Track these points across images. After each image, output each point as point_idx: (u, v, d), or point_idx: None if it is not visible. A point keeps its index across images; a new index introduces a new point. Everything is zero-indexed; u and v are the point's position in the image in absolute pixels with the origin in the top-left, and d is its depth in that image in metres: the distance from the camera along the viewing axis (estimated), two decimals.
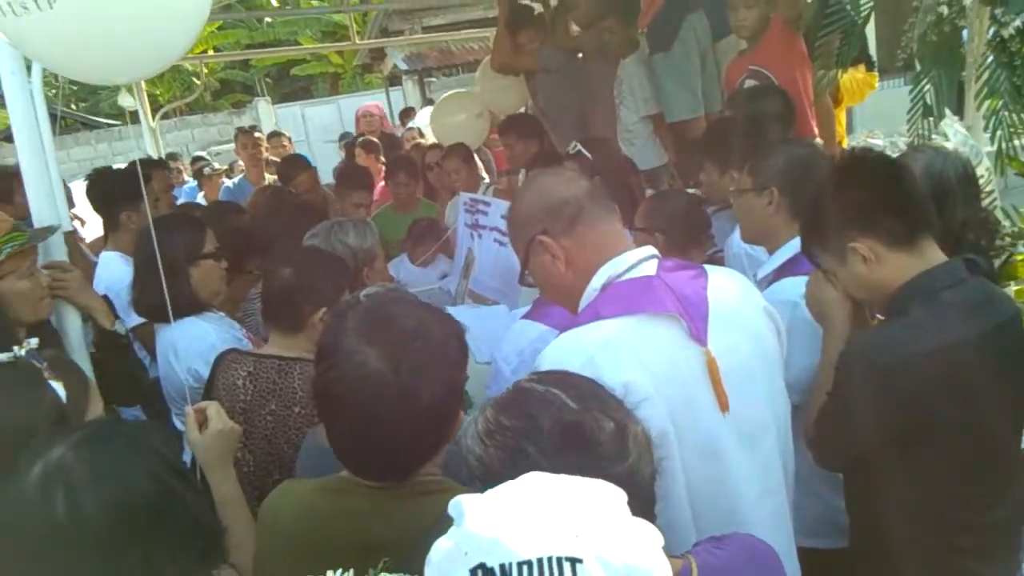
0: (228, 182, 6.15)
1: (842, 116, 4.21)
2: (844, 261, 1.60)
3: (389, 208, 4.71)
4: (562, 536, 0.74)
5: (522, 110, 5.48)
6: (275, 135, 7.48)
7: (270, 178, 5.82)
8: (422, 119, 9.13)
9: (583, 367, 1.33)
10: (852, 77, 3.93)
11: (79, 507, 1.06)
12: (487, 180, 5.13)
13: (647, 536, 0.79)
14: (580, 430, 1.07)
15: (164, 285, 2.01)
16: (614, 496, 0.79)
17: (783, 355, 1.60)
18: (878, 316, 1.69)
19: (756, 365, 1.49)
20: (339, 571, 0.99)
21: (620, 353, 1.37)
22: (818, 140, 3.41)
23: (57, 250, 2.18)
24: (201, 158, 7.25)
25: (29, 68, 2.03)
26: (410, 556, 0.99)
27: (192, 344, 2.39)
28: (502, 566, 0.73)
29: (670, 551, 1.08)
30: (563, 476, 0.82)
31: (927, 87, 2.53)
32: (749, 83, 3.42)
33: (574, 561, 0.73)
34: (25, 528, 1.08)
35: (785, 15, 3.28)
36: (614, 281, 1.48)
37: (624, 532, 0.76)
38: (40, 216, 2.10)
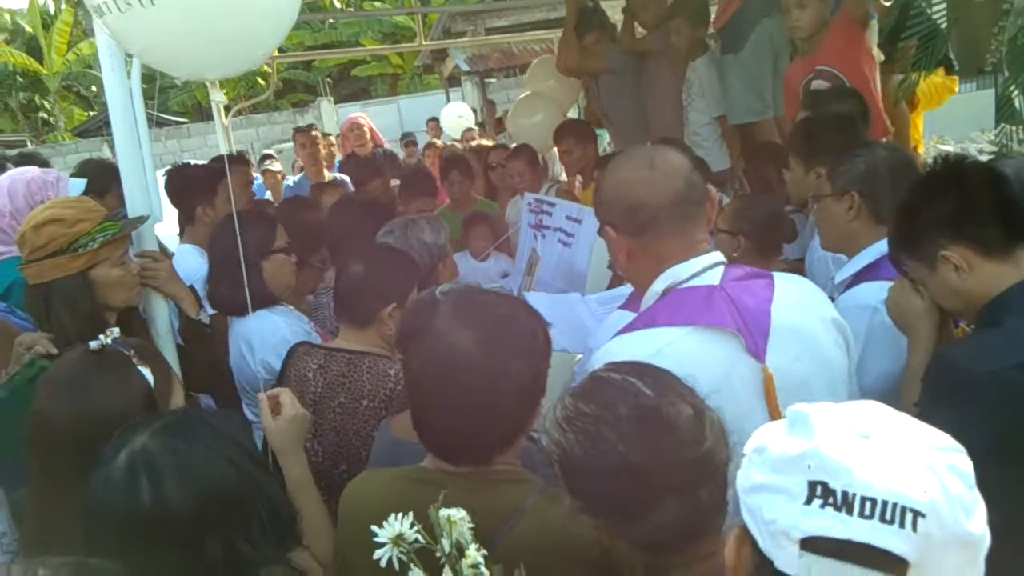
0: (289, 180, 6.21)
1: (919, 121, 4.09)
2: (934, 269, 1.56)
3: (447, 208, 4.73)
4: (913, 487, 0.73)
5: (571, 113, 5.47)
6: (326, 134, 7.49)
7: (330, 175, 5.89)
8: (447, 117, 9.12)
9: None
10: (930, 81, 3.82)
11: (164, 494, 1.10)
12: (556, 180, 5.14)
13: (982, 509, 0.79)
14: (657, 415, 1.09)
15: (245, 280, 2.07)
16: (964, 462, 0.78)
17: (852, 366, 1.56)
18: (963, 326, 1.64)
19: (816, 381, 1.46)
20: (400, 516, 1.01)
21: (670, 363, 1.33)
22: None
23: (149, 240, 2.26)
24: (269, 155, 7.39)
25: (129, 66, 2.11)
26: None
27: (265, 337, 2.45)
28: (845, 493, 0.73)
29: None
30: (916, 423, 0.82)
31: (1015, 91, 2.44)
32: (817, 83, 3.34)
33: (917, 514, 0.72)
34: (112, 514, 1.12)
35: (852, 12, 3.21)
36: (676, 287, 1.46)
37: (967, 501, 0.76)
38: (134, 207, 2.17)
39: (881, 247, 1.86)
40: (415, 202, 4.09)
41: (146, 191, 2.19)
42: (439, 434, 1.36)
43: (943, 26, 2.66)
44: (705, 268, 1.47)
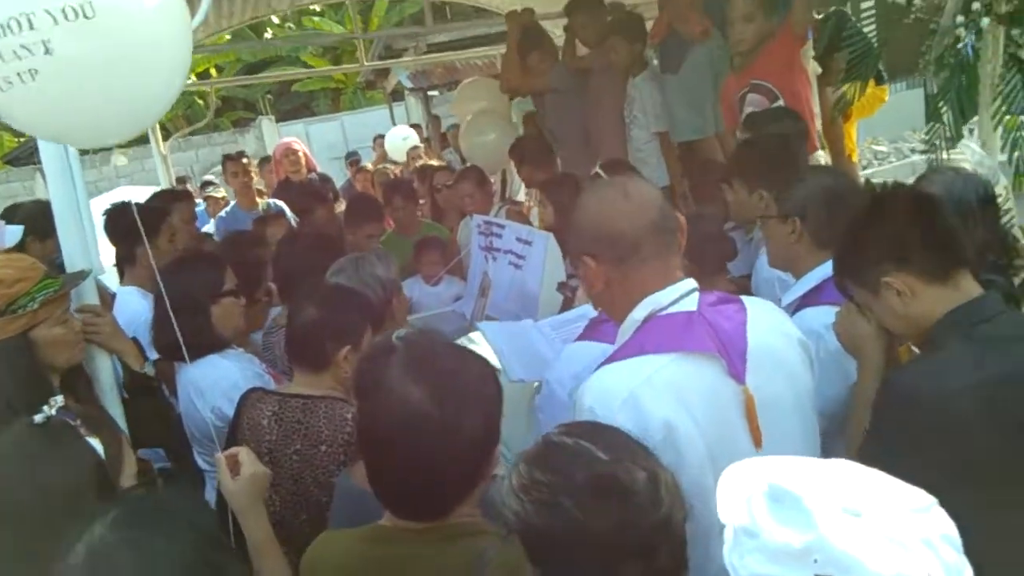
0: (221, 212, 5.99)
1: (852, 131, 4.22)
2: (878, 295, 1.60)
3: (393, 234, 4.68)
4: (918, 571, 0.74)
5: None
6: (268, 159, 7.31)
7: (261, 203, 5.66)
8: (392, 140, 9.06)
9: (625, 403, 1.38)
10: None
11: None
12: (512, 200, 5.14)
13: (970, 571, 0.81)
14: (614, 481, 1.10)
15: (177, 329, 2.02)
16: (949, 525, 0.80)
17: (814, 383, 1.61)
18: (914, 348, 1.69)
19: (789, 400, 1.52)
20: None
21: (662, 390, 1.40)
22: (820, 154, 3.42)
23: (89, 294, 2.20)
24: (210, 183, 7.23)
25: None
26: None
27: (215, 383, 2.39)
28: None
29: None
30: (889, 483, 0.82)
31: (945, 109, 2.53)
32: (752, 96, 3.43)
33: None
34: None
35: (794, 29, 3.30)
36: (656, 314, 1.49)
37: (960, 567, 0.77)
38: (72, 261, 2.11)
39: (824, 271, 1.91)
40: (363, 228, 4.05)
41: (84, 243, 2.13)
42: (395, 491, 1.36)
43: (875, 44, 2.75)
44: (682, 295, 1.50)
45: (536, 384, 2.28)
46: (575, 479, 1.09)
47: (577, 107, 4.56)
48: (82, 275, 2.08)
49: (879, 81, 4.20)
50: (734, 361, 1.43)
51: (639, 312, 1.50)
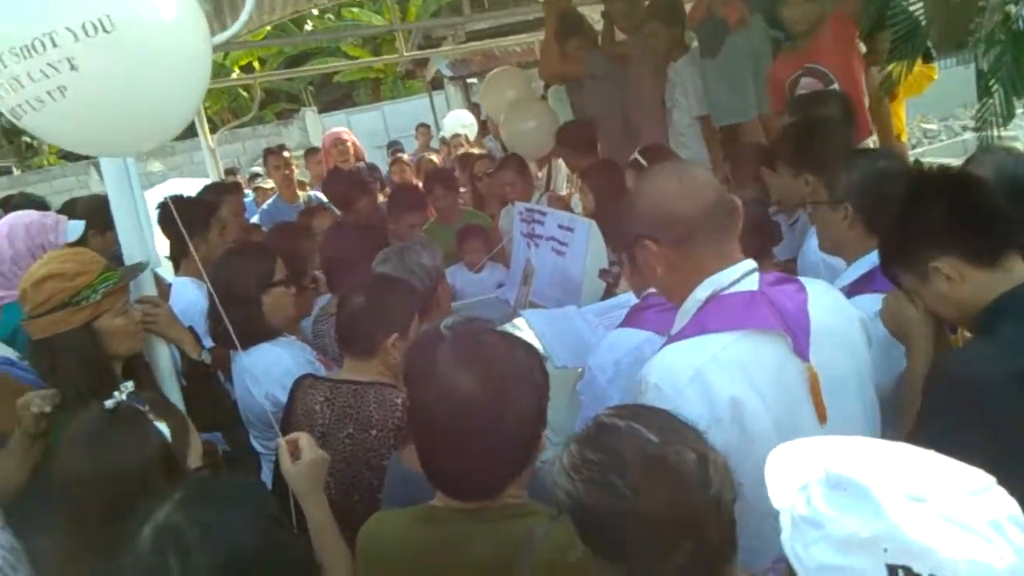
0: (264, 204, 6.12)
1: (901, 110, 4.12)
2: (926, 280, 1.59)
3: (435, 223, 4.73)
4: (991, 556, 0.74)
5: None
6: (313, 151, 7.33)
7: (303, 195, 5.84)
8: (452, 124, 9.11)
9: (692, 380, 1.41)
10: None
11: (193, 568, 1.12)
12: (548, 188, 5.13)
13: None
14: (664, 461, 1.12)
15: (228, 320, 2.09)
16: (1011, 504, 0.79)
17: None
18: (966, 334, 1.67)
19: (852, 379, 1.55)
20: None
21: (728, 368, 1.43)
22: (873, 139, 3.36)
23: (147, 285, 2.28)
24: (258, 174, 7.37)
25: None
26: None
27: (268, 370, 2.46)
28: None
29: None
30: (946, 465, 0.81)
31: (996, 86, 2.47)
32: (805, 80, 3.37)
33: None
34: None
35: (847, 9, 3.22)
36: (718, 294, 1.51)
37: None
38: (130, 254, 2.18)
39: (876, 257, 1.89)
40: (405, 217, 4.10)
41: (141, 237, 2.20)
42: (446, 473, 1.40)
43: (923, 23, 2.68)
44: (743, 275, 1.52)
45: (580, 370, 2.31)
46: (625, 458, 1.11)
47: (616, 93, 4.53)
48: (140, 267, 2.16)
49: (927, 59, 4.09)
50: (798, 338, 1.46)
51: (701, 292, 1.52)
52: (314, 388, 2.23)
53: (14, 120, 1.74)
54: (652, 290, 2.07)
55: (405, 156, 7.92)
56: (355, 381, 2.18)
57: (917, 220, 1.59)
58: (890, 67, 3.06)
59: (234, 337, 2.17)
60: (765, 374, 1.43)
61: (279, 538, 1.18)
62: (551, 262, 3.68)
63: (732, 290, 1.50)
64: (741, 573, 1.19)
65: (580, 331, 2.69)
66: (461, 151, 7.06)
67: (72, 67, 1.59)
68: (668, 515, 1.08)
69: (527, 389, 1.36)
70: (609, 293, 3.12)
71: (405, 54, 8.18)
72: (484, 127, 8.95)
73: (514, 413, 1.33)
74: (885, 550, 0.75)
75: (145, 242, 2.22)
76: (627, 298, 2.56)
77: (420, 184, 5.64)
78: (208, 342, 2.64)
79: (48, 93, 1.62)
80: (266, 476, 2.47)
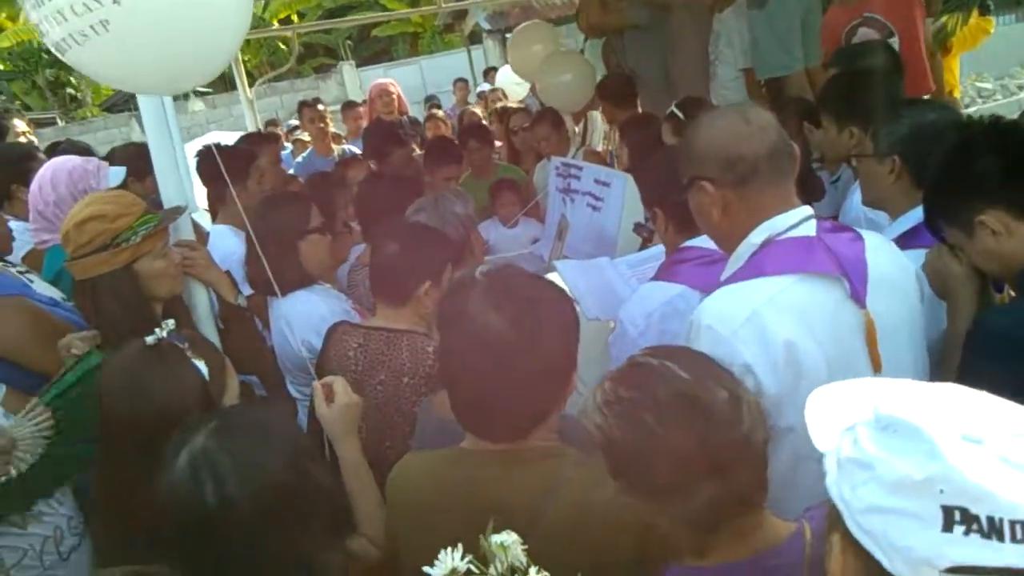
0: (299, 157, 6.15)
1: (955, 65, 3.97)
2: (972, 235, 1.54)
3: (470, 177, 4.69)
4: None
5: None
6: (350, 105, 7.34)
7: (337, 148, 5.85)
8: (503, 79, 9.02)
9: (748, 321, 1.41)
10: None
11: (227, 495, 1.15)
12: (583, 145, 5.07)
13: None
14: (694, 398, 1.12)
15: (267, 266, 2.11)
16: None
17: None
18: (1010, 292, 1.63)
19: (906, 328, 1.54)
20: (450, 550, 1.02)
21: (784, 311, 1.42)
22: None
23: (185, 229, 2.31)
24: (297, 127, 7.41)
25: None
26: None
27: (304, 317, 2.50)
28: (991, 519, 0.71)
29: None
30: (998, 406, 0.78)
31: None
32: (863, 31, 3.25)
33: None
34: (179, 516, 1.18)
35: None
36: (775, 239, 1.50)
37: None
38: (168, 197, 2.21)
39: (920, 213, 1.84)
40: (441, 170, 4.08)
41: (180, 182, 2.23)
42: (476, 413, 1.40)
43: None
44: (801, 220, 1.51)
45: (611, 324, 2.30)
46: (657, 395, 1.12)
47: (658, 45, 4.43)
48: (179, 210, 2.18)
49: (984, 12, 3.93)
50: (856, 285, 1.45)
51: (756, 236, 1.51)
52: (348, 335, 2.25)
53: (58, 55, 1.74)
54: (687, 244, 2.04)
55: (440, 112, 7.86)
56: (388, 329, 2.20)
57: (964, 171, 1.54)
58: (944, 18, 2.94)
59: (273, 282, 2.20)
60: (822, 319, 1.42)
61: (311, 471, 1.21)
62: (587, 217, 3.65)
63: (789, 235, 1.49)
64: (772, 518, 1.19)
65: (612, 283, 2.67)
66: (499, 105, 6.99)
67: (115, 0, 1.59)
68: (697, 452, 1.08)
69: (557, 329, 1.36)
70: (644, 248, 3.09)
71: (444, 5, 8.06)
72: None
73: (544, 352, 1.32)
74: (941, 491, 0.72)
75: (183, 187, 2.24)
76: (660, 250, 2.53)
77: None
78: (247, 290, 2.69)
79: (91, 27, 1.62)
80: (302, 420, 2.52)
